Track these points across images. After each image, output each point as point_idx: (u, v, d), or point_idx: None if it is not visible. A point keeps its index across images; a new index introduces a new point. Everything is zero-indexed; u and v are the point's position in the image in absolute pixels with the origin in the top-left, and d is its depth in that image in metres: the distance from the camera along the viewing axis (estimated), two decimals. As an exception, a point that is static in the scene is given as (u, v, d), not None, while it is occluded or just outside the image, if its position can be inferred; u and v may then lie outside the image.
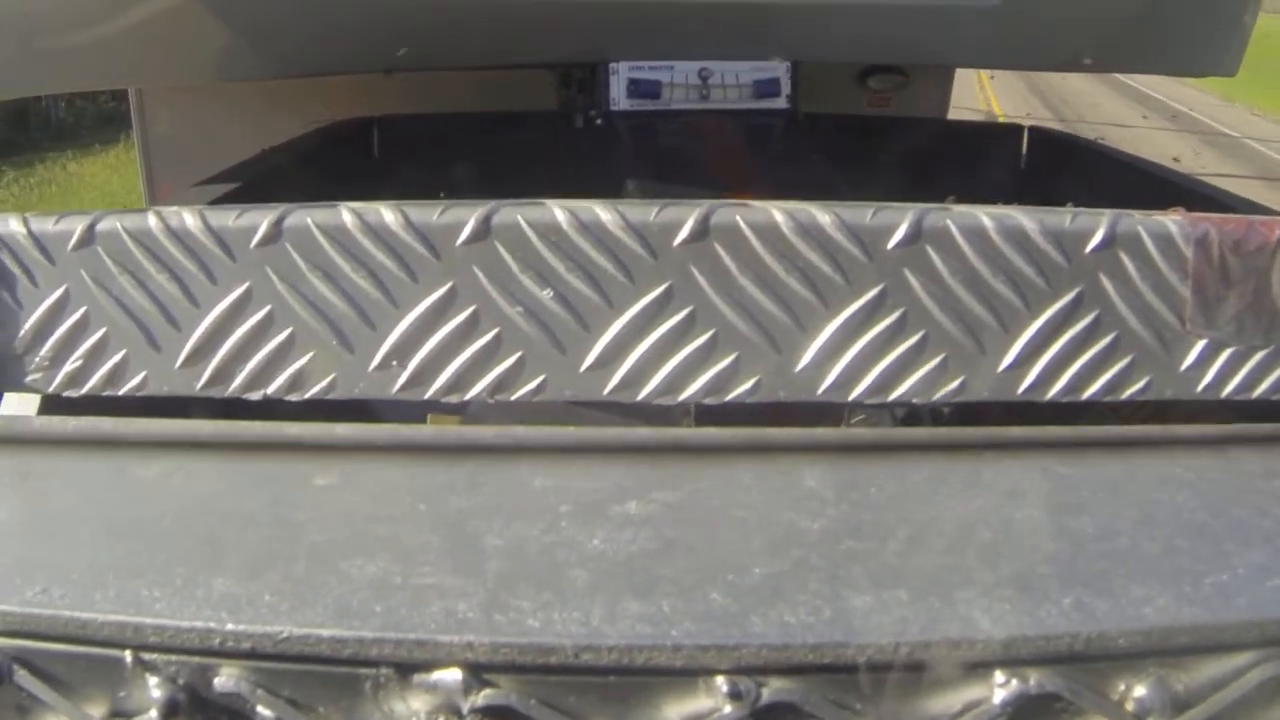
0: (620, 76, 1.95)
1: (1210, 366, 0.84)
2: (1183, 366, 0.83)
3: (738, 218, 0.75)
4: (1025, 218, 0.79)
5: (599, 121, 1.96)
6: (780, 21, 1.93)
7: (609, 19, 1.86)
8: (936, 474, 0.73)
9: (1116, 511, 0.70)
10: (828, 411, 0.93)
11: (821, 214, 0.76)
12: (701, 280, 0.76)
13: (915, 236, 0.77)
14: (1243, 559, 0.67)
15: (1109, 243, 0.80)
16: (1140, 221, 0.81)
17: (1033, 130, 2.43)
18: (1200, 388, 0.84)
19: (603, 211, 0.75)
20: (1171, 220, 0.82)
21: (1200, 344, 0.83)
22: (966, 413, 0.89)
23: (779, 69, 2.02)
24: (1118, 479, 0.74)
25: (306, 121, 2.19)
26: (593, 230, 0.74)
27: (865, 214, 0.77)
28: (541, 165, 1.93)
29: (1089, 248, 0.80)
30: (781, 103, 2.01)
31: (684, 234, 0.75)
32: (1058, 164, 2.29)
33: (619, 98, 1.95)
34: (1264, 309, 0.83)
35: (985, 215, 0.78)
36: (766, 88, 2.01)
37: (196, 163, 2.05)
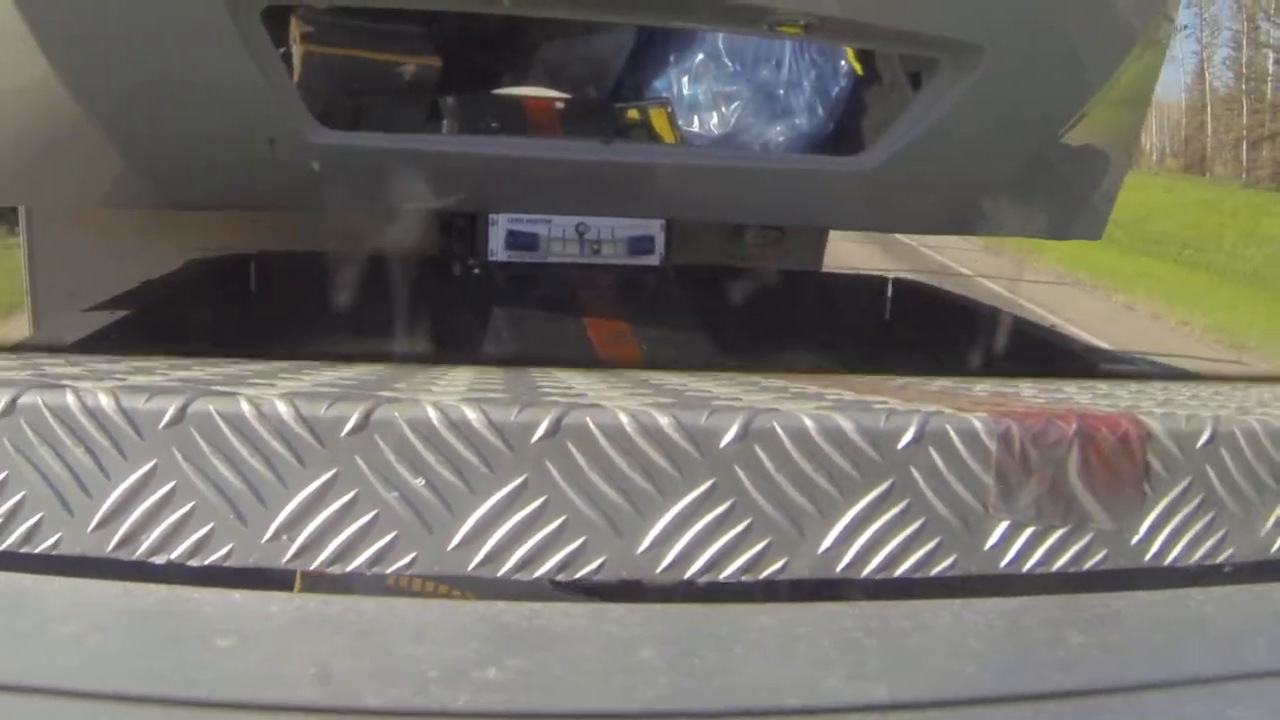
0: (500, 228, 2.02)
1: (1012, 544, 0.93)
2: (987, 545, 0.92)
3: (587, 419, 0.83)
4: (843, 419, 0.88)
5: (476, 270, 2.02)
6: (654, 183, 2.03)
7: (491, 173, 1.94)
8: (753, 645, 0.80)
9: (908, 680, 0.78)
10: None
11: (661, 416, 0.84)
12: (554, 472, 0.83)
13: (744, 435, 0.85)
14: None
15: (919, 439, 0.89)
16: (948, 419, 0.90)
17: (897, 281, 2.58)
18: (1003, 564, 0.93)
19: (469, 411, 0.82)
20: (976, 418, 0.91)
21: (1003, 525, 0.92)
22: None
23: (653, 226, 2.12)
24: (914, 650, 0.82)
25: (187, 251, 2.22)
26: (460, 427, 0.82)
27: (700, 416, 0.85)
28: (417, 311, 1.98)
29: (900, 444, 0.89)
30: (654, 260, 2.11)
31: (540, 432, 0.83)
32: (919, 313, 2.44)
33: (497, 248, 2.02)
34: (1061, 493, 0.93)
35: (807, 417, 0.87)
36: (641, 244, 2.10)
37: (81, 283, 2.06)
